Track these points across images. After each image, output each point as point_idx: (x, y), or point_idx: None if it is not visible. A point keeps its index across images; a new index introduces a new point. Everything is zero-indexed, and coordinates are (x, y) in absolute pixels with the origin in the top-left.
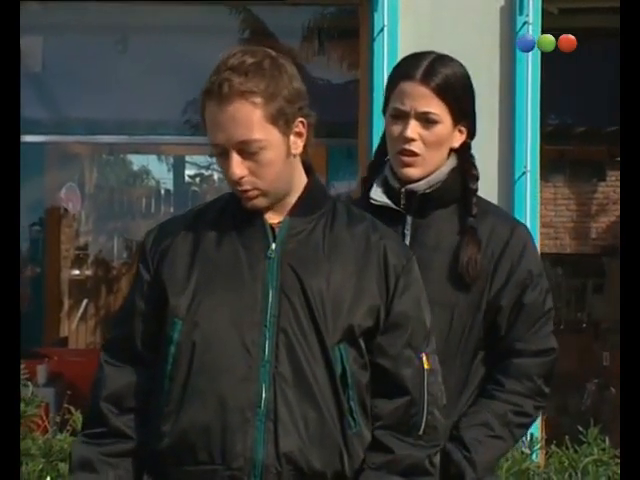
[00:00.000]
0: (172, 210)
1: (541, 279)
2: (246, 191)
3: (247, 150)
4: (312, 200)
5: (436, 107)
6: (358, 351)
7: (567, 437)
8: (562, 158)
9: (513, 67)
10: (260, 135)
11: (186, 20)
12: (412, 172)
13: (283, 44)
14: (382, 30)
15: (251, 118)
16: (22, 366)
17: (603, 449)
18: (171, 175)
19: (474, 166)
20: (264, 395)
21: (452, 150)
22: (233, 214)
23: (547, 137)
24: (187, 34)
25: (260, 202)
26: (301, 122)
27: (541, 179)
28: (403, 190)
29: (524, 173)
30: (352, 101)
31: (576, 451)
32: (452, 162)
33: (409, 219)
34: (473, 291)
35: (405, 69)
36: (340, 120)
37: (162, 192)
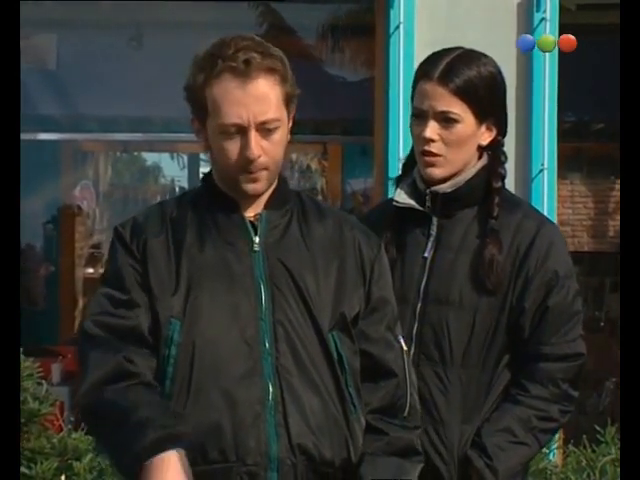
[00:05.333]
0: None
1: (568, 280)
2: (255, 172)
3: (265, 128)
4: (283, 193)
5: (455, 106)
6: (350, 337)
7: (585, 436)
8: (579, 155)
9: (530, 64)
10: (278, 114)
11: (201, 16)
12: (435, 172)
13: (299, 41)
14: (398, 27)
15: (273, 96)
16: (37, 364)
17: None
18: (185, 173)
19: (502, 164)
20: (271, 389)
21: (482, 148)
22: (209, 210)
23: (564, 134)
24: (202, 30)
25: (262, 186)
26: (294, 108)
27: (558, 176)
28: (428, 191)
29: (541, 171)
30: (368, 99)
31: (594, 450)
32: (483, 161)
33: (434, 220)
34: (496, 292)
35: (425, 68)
36: (356, 118)
37: (177, 190)
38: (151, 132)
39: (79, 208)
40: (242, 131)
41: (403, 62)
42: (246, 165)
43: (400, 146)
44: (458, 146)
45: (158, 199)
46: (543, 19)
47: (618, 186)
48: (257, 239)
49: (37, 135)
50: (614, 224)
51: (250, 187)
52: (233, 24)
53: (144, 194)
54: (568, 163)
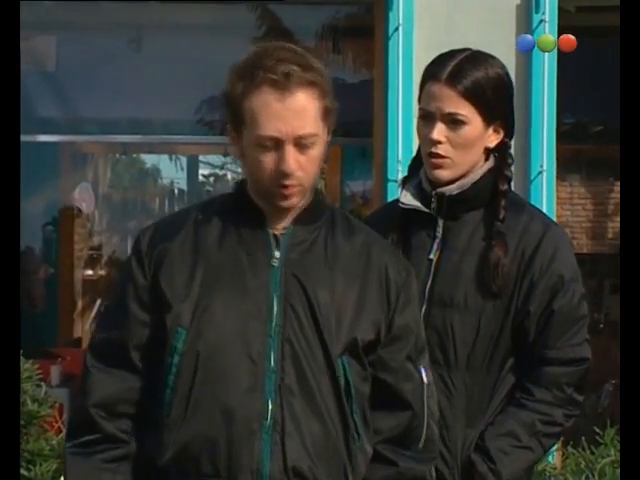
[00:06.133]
0: None
1: (574, 284)
2: (290, 187)
3: (303, 143)
4: (316, 209)
5: (463, 108)
6: (360, 364)
7: (584, 438)
8: (578, 157)
9: (529, 66)
10: (316, 129)
11: (200, 18)
12: (442, 174)
13: (298, 43)
14: (397, 29)
15: (312, 110)
16: (36, 366)
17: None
18: (185, 175)
19: (509, 167)
20: (270, 407)
21: (489, 150)
22: (234, 219)
23: (563, 136)
24: (201, 33)
25: (296, 201)
26: (334, 122)
27: (557, 178)
28: (434, 193)
29: (540, 172)
30: (367, 100)
31: (593, 452)
32: (489, 163)
33: (440, 222)
34: (501, 295)
35: (433, 69)
36: (355, 119)
37: (176, 192)
38: (150, 134)
39: (78, 210)
40: (279, 144)
41: (402, 64)
42: (281, 179)
43: (399, 148)
44: (465, 148)
45: (157, 201)
46: (542, 21)
47: (617, 188)
48: (277, 254)
49: (36, 137)
50: (613, 226)
51: (283, 201)
52: (232, 26)
53: (143, 196)
54: (567, 165)
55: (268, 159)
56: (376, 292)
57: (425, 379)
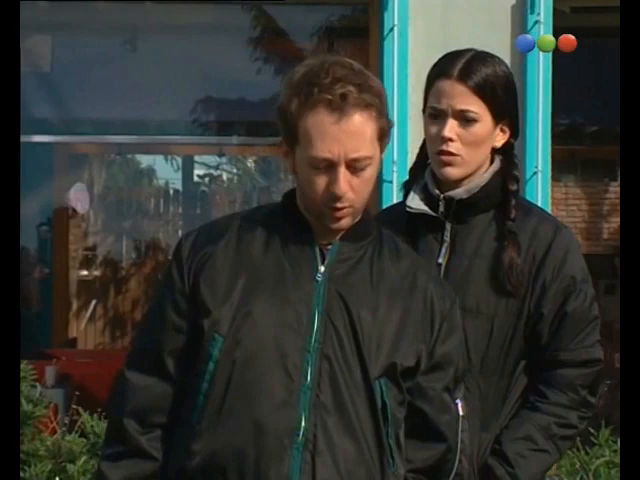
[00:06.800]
0: (181, 210)
1: (585, 285)
2: (341, 209)
3: (356, 166)
4: (364, 227)
5: (475, 105)
6: (398, 388)
7: (578, 439)
8: (573, 158)
9: (524, 66)
10: (371, 151)
11: (196, 19)
12: (452, 172)
13: (293, 44)
14: (392, 30)
15: (368, 132)
16: (30, 367)
17: (615, 451)
18: (180, 175)
19: (516, 167)
20: (303, 423)
21: (495, 151)
22: (280, 229)
23: (558, 137)
24: (197, 33)
25: (346, 222)
26: (389, 140)
27: (552, 179)
28: (442, 197)
29: (535, 173)
30: None
31: (587, 453)
32: (495, 166)
33: (448, 226)
34: (514, 299)
35: (442, 67)
36: None
37: (171, 192)
38: (145, 134)
39: (73, 210)
40: (332, 166)
41: (397, 64)
42: (332, 201)
43: (394, 148)
44: (476, 146)
45: (152, 201)
46: (537, 21)
47: (612, 188)
48: (322, 268)
49: (31, 137)
50: (608, 226)
51: (334, 224)
52: (228, 27)
53: (138, 196)
54: (562, 166)
55: (320, 180)
56: (419, 320)
57: (460, 411)
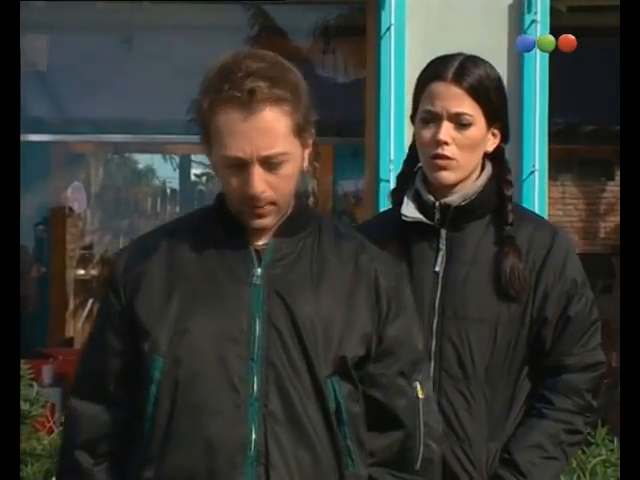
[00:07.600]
0: (178, 209)
1: (586, 289)
2: (260, 207)
3: (271, 163)
4: (299, 220)
5: (469, 108)
6: (352, 384)
7: None
8: (570, 157)
9: (521, 66)
10: (286, 147)
11: (192, 18)
12: (447, 176)
13: (291, 43)
14: (389, 29)
15: (280, 128)
16: (27, 366)
17: (611, 450)
18: (177, 174)
19: (509, 171)
20: (253, 437)
21: (486, 155)
22: (213, 234)
23: (555, 136)
24: (193, 32)
25: (270, 221)
26: (312, 135)
27: (549, 178)
28: (437, 204)
29: (532, 172)
30: (359, 100)
31: (584, 452)
32: (488, 171)
33: (443, 233)
34: (516, 305)
35: (435, 69)
36: (347, 119)
37: (168, 191)
38: (142, 134)
39: (70, 210)
40: (245, 165)
41: (394, 63)
42: (250, 200)
43: (391, 147)
44: (471, 150)
45: (149, 201)
46: (534, 21)
47: (609, 187)
48: (259, 270)
49: (28, 136)
50: (605, 225)
51: (256, 222)
52: (225, 26)
53: (136, 195)
54: (559, 165)
55: (236, 180)
56: (365, 301)
57: (420, 394)
